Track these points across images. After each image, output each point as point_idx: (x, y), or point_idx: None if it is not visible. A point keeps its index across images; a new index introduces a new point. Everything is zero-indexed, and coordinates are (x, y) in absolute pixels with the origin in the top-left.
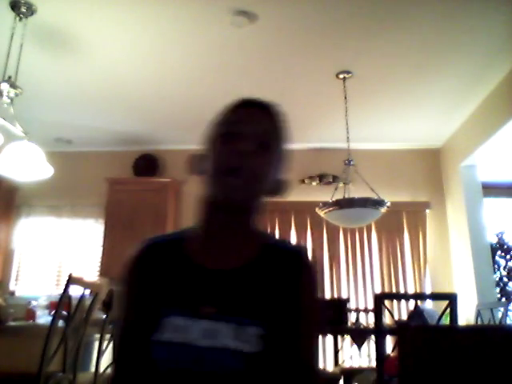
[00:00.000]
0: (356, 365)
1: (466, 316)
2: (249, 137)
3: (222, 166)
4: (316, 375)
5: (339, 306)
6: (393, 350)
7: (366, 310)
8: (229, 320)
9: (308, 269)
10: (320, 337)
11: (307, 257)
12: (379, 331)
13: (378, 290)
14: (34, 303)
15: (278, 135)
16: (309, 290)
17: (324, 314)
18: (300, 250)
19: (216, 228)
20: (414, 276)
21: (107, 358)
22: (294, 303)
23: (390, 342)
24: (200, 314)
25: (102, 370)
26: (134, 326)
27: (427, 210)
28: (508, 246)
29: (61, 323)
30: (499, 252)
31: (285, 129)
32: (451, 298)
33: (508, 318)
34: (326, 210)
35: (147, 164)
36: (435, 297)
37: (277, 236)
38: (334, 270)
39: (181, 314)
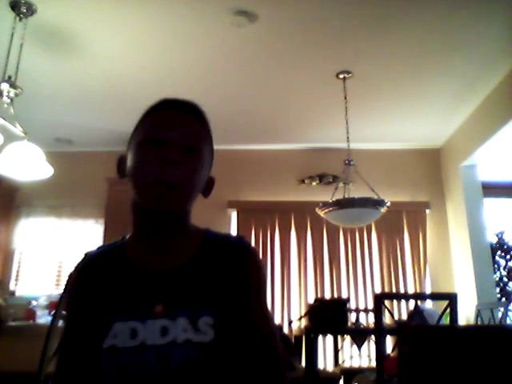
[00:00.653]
0: (356, 365)
1: (466, 316)
2: (173, 143)
3: (148, 177)
4: (276, 342)
5: (339, 306)
6: (393, 350)
7: (366, 310)
8: (180, 315)
9: (250, 258)
10: (268, 310)
11: (249, 245)
12: (379, 331)
13: (378, 290)
14: (34, 303)
15: (203, 136)
16: (253, 278)
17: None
18: (241, 240)
19: (152, 232)
20: (414, 276)
21: None
22: (241, 291)
23: (390, 342)
24: (151, 314)
25: None
26: (79, 336)
27: (427, 210)
28: (508, 246)
29: (61, 323)
30: (499, 252)
31: (209, 128)
32: (451, 298)
33: (508, 318)
34: (326, 210)
35: None
36: (435, 297)
37: (220, 231)
38: (334, 270)
39: (133, 318)
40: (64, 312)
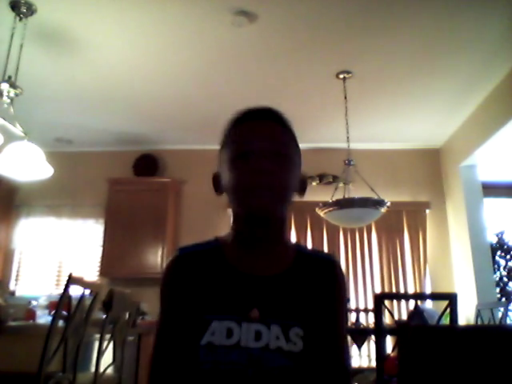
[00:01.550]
0: (356, 365)
1: (466, 316)
2: (263, 153)
3: (246, 188)
4: (349, 374)
5: None
6: (393, 350)
7: (365, 310)
8: (274, 322)
9: (341, 277)
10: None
11: (340, 266)
12: (379, 331)
13: (378, 290)
14: (34, 303)
15: (289, 141)
16: (341, 296)
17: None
18: (334, 259)
19: (253, 239)
20: (414, 276)
21: (107, 358)
22: (329, 307)
23: (390, 342)
24: (247, 318)
25: (102, 369)
26: (178, 333)
27: (427, 210)
28: (508, 246)
29: (61, 323)
30: (499, 252)
31: (293, 132)
32: (451, 298)
33: (508, 318)
34: (326, 210)
35: (147, 164)
36: (435, 297)
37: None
38: None
39: (229, 318)
40: (162, 303)
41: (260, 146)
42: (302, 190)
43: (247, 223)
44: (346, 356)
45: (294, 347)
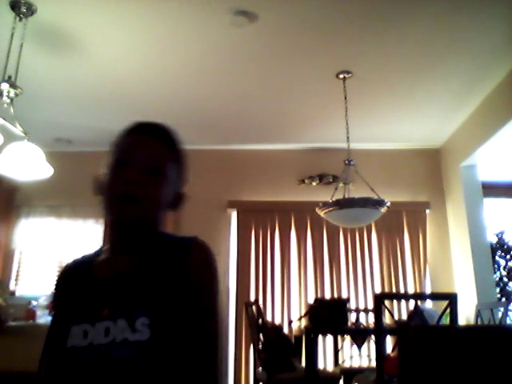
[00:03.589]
0: (356, 365)
1: (466, 316)
2: (137, 164)
3: (112, 193)
4: (209, 341)
5: (339, 306)
6: (393, 350)
7: (365, 310)
8: (120, 317)
9: (195, 250)
10: (218, 308)
11: (198, 244)
12: (379, 331)
13: (378, 290)
14: (34, 303)
15: (167, 158)
16: (197, 268)
17: (218, 287)
18: (190, 238)
19: (115, 244)
20: (414, 276)
21: None
22: (182, 288)
23: (390, 342)
24: (99, 318)
25: None
26: (52, 336)
27: (427, 210)
28: (508, 246)
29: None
30: (499, 252)
31: (177, 149)
32: (451, 298)
33: (508, 318)
34: (326, 210)
35: None
36: (435, 297)
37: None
38: (334, 270)
39: (83, 321)
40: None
41: (137, 157)
42: (176, 205)
43: (111, 227)
44: (208, 330)
45: (140, 336)
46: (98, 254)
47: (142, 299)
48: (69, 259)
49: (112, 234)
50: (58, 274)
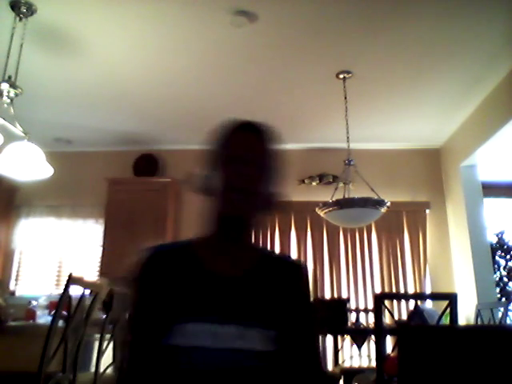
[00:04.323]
0: (356, 365)
1: (466, 316)
2: (249, 160)
3: (228, 185)
4: (321, 369)
5: (339, 306)
6: (393, 350)
7: (365, 310)
8: (249, 324)
9: (306, 279)
10: (319, 336)
11: (306, 269)
12: (379, 331)
13: (378, 290)
14: (34, 303)
15: (271, 156)
16: (305, 296)
17: (319, 314)
18: (300, 262)
19: (223, 238)
20: (414, 276)
21: (107, 358)
22: (297, 309)
23: (390, 342)
24: (221, 319)
25: (102, 369)
26: (148, 331)
27: (427, 210)
28: (508, 246)
29: (61, 323)
30: (499, 252)
31: (277, 148)
32: (451, 298)
33: (508, 318)
34: (326, 210)
35: (147, 164)
36: (435, 297)
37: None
38: (334, 270)
39: (204, 320)
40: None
41: (247, 154)
42: (275, 204)
43: (223, 222)
44: (318, 354)
45: (267, 347)
46: (189, 244)
47: (267, 311)
48: (152, 245)
49: (220, 226)
50: (147, 257)
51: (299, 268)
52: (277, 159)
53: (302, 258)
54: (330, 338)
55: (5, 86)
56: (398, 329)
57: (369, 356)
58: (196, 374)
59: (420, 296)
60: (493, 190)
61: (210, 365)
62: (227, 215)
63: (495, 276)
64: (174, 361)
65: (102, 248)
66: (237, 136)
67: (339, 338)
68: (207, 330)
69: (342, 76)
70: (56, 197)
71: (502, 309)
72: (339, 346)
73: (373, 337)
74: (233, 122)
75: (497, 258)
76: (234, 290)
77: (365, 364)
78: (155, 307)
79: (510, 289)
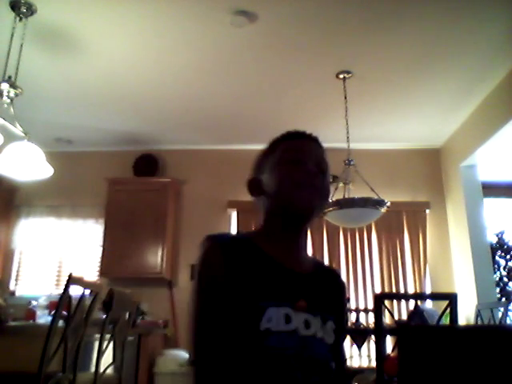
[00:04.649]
0: (356, 365)
1: (466, 316)
2: (311, 162)
3: (297, 183)
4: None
5: None
6: (393, 350)
7: (365, 310)
8: (317, 314)
9: (344, 286)
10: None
11: (342, 279)
12: (379, 331)
13: (378, 290)
14: (34, 303)
15: (326, 161)
16: (345, 307)
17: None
18: (338, 271)
19: (290, 234)
20: (414, 276)
21: (107, 358)
22: (342, 309)
23: (390, 342)
24: (296, 307)
25: (102, 369)
26: (232, 318)
27: (427, 210)
28: (508, 246)
29: (61, 323)
30: (499, 252)
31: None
32: (451, 298)
33: (508, 318)
34: (326, 210)
35: (147, 164)
36: (435, 297)
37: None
38: None
39: (281, 306)
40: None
41: (310, 157)
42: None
43: (290, 218)
44: (345, 356)
45: (329, 339)
46: (249, 238)
47: (330, 304)
48: (213, 235)
49: (284, 223)
50: (218, 244)
51: (342, 281)
52: (328, 163)
53: None
54: None
55: (5, 86)
56: (398, 329)
57: (369, 356)
58: (284, 359)
59: (420, 296)
60: (493, 189)
61: (299, 349)
62: (299, 212)
63: (495, 276)
64: (264, 345)
65: (102, 248)
66: (298, 141)
67: None
68: (301, 318)
69: (341, 76)
70: (56, 197)
71: (501, 309)
72: None
73: (373, 337)
74: (288, 131)
75: (497, 258)
76: (311, 284)
77: (365, 364)
78: (243, 291)
79: (510, 289)
